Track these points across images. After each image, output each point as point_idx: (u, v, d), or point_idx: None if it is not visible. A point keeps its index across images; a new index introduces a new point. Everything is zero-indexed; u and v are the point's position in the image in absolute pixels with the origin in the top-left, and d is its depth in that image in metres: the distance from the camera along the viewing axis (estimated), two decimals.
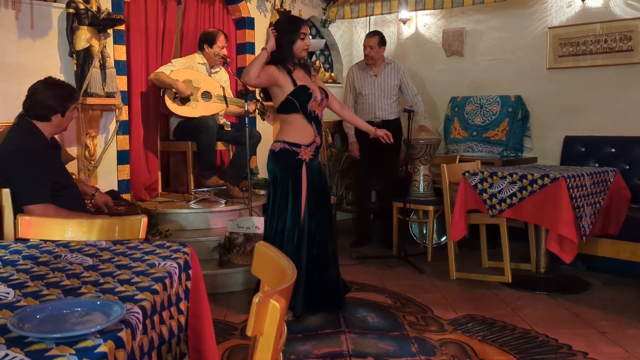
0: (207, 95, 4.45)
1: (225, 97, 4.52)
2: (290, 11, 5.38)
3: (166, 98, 4.34)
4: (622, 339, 2.89)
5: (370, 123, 4.78)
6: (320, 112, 3.17)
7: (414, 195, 4.62)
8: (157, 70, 4.36)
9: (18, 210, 2.43)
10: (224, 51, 4.50)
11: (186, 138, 4.44)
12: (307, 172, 3.09)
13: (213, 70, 4.63)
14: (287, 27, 3.13)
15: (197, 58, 4.56)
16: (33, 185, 2.56)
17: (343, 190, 5.62)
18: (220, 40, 4.49)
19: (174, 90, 4.29)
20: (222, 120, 4.63)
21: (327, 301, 3.21)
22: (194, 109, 4.39)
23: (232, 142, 4.63)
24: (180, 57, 4.70)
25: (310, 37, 5.99)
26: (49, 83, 2.69)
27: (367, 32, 4.98)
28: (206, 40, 4.50)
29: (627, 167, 4.50)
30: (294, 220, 3.08)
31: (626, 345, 2.83)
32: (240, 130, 4.45)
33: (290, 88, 3.06)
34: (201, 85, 4.43)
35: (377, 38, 4.78)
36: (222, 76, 4.71)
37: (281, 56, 3.09)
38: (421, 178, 4.63)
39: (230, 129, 4.57)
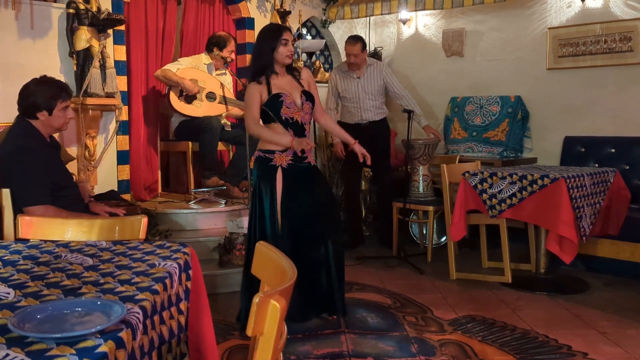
0: (211, 96, 4.47)
1: (227, 98, 4.54)
2: (290, 12, 5.38)
3: (171, 95, 4.35)
4: (622, 339, 2.89)
5: (357, 125, 4.79)
6: (302, 117, 3.09)
7: (414, 195, 4.62)
8: (163, 67, 4.37)
9: (18, 210, 2.42)
10: (232, 55, 4.53)
11: (188, 138, 4.45)
12: (283, 177, 3.05)
13: (219, 72, 4.65)
14: (267, 34, 3.11)
15: (204, 58, 4.58)
16: (32, 186, 2.55)
17: (343, 190, 5.61)
18: (231, 45, 4.53)
19: (180, 88, 4.30)
20: (222, 121, 4.64)
21: (320, 306, 3.16)
22: (198, 109, 4.41)
23: (232, 142, 4.64)
24: (180, 57, 4.71)
25: (310, 37, 6.05)
26: (39, 81, 2.69)
27: (349, 36, 4.84)
28: (217, 44, 4.51)
29: (627, 168, 4.50)
30: (272, 225, 3.07)
31: (626, 345, 2.83)
32: (240, 130, 4.45)
33: (265, 98, 3.05)
34: (206, 85, 4.45)
35: (359, 45, 4.68)
36: (227, 78, 4.72)
37: (261, 66, 3.07)
38: (420, 178, 4.63)
39: (230, 129, 4.58)
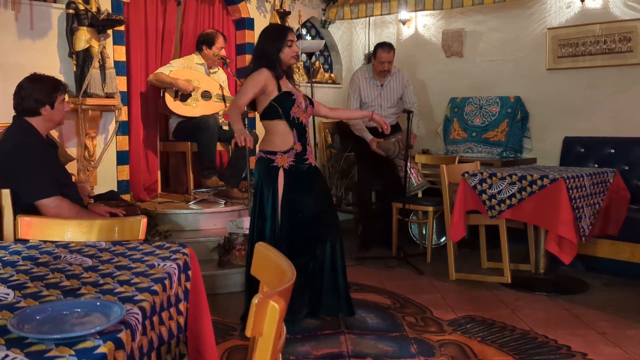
0: (207, 95, 4.46)
1: (224, 96, 4.53)
2: (289, 12, 5.38)
3: (167, 97, 4.34)
4: (622, 340, 2.90)
5: (375, 130, 4.78)
6: (305, 119, 3.12)
7: (412, 189, 4.61)
8: (156, 71, 4.37)
9: (18, 210, 2.42)
10: (223, 52, 4.51)
11: (186, 138, 4.44)
12: (285, 179, 3.06)
13: (211, 71, 4.64)
14: (272, 35, 3.11)
15: (195, 59, 4.57)
16: (40, 180, 2.56)
17: (343, 191, 5.62)
18: (219, 41, 4.50)
19: (174, 89, 4.30)
20: (220, 120, 4.64)
21: (320, 307, 3.15)
22: (194, 109, 4.40)
23: (231, 142, 4.63)
24: (180, 57, 4.71)
25: (310, 37, 6.05)
26: (33, 78, 2.72)
27: (380, 42, 4.73)
28: (205, 42, 4.51)
29: (627, 168, 4.51)
30: (272, 226, 3.07)
31: (625, 346, 2.83)
32: None
33: (275, 94, 3.04)
34: (201, 84, 4.44)
35: (393, 53, 4.72)
36: (220, 76, 4.71)
37: (272, 61, 3.07)
38: (410, 172, 4.61)
39: (228, 128, 4.57)
